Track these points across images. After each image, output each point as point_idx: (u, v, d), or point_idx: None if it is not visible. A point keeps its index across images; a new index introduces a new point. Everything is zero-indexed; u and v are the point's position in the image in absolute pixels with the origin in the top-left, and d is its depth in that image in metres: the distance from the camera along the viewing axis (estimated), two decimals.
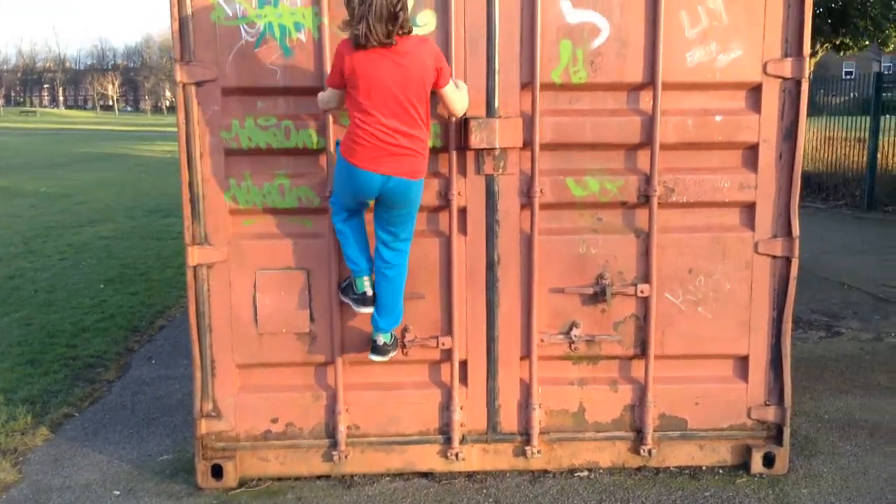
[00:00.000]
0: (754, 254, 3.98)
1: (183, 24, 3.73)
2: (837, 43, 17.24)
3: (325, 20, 3.73)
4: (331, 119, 3.80)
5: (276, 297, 3.98)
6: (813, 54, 16.88)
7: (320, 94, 3.71)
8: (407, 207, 3.68)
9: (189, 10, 3.72)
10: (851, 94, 15.91)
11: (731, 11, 3.79)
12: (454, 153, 3.87)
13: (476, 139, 3.81)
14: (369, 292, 3.83)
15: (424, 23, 3.79)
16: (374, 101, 3.46)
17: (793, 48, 3.82)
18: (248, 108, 3.85)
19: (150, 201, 15.36)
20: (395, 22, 3.38)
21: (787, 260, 3.96)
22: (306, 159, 3.92)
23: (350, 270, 3.86)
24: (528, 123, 3.86)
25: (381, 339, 3.85)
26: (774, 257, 3.98)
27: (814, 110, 14.44)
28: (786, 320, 4.01)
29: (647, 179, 3.91)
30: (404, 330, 3.99)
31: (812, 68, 17.62)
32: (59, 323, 6.92)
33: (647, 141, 3.88)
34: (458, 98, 3.69)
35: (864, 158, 13.74)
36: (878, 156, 13.55)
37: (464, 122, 3.81)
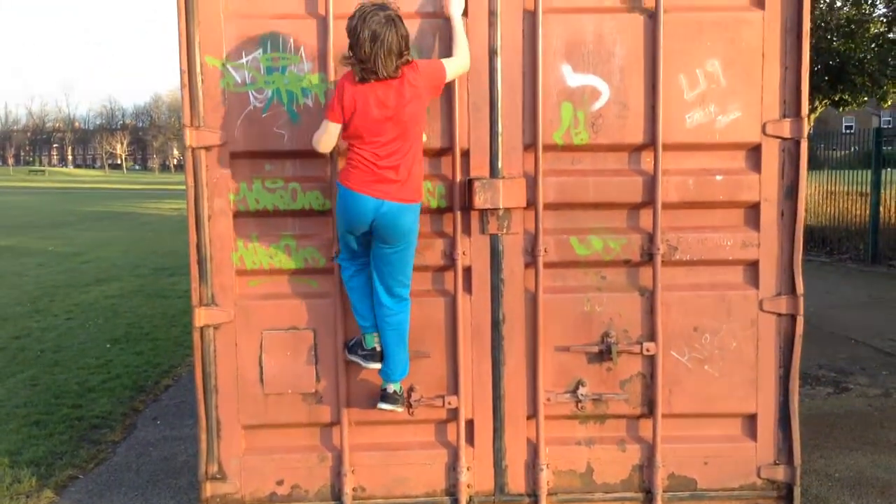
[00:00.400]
0: (759, 311, 3.99)
1: (193, 91, 3.82)
2: (836, 99, 17.47)
3: (331, 86, 3.82)
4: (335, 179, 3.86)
5: (282, 358, 3.99)
6: (812, 110, 17.11)
7: (317, 133, 3.71)
8: (403, 241, 3.70)
9: (199, 78, 3.82)
10: (852, 148, 16.07)
11: (728, 74, 3.88)
12: (458, 213, 3.92)
13: (480, 199, 3.86)
14: (378, 347, 3.85)
15: None
16: (372, 129, 3.54)
17: (791, 109, 3.89)
18: (256, 170, 3.92)
19: (157, 259, 15.46)
20: (402, 58, 3.51)
21: (793, 317, 3.97)
22: (312, 220, 3.97)
23: (359, 327, 3.89)
24: (532, 183, 3.91)
25: (392, 387, 3.86)
26: (780, 315, 3.99)
27: (815, 164, 14.59)
28: (793, 378, 4.00)
29: (650, 238, 3.94)
30: (410, 389, 3.98)
31: (812, 123, 17.83)
32: (65, 383, 6.92)
33: (650, 200, 3.93)
34: (460, 69, 3.75)
35: (867, 212, 13.81)
36: (881, 209, 13.63)
37: (468, 183, 3.87)
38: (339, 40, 3.77)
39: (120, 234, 20.97)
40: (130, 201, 37.48)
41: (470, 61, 3.78)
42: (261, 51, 3.83)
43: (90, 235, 20.68)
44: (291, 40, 3.83)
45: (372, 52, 3.44)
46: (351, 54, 3.53)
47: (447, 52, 3.79)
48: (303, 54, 3.85)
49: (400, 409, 3.90)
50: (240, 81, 3.85)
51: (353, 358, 3.93)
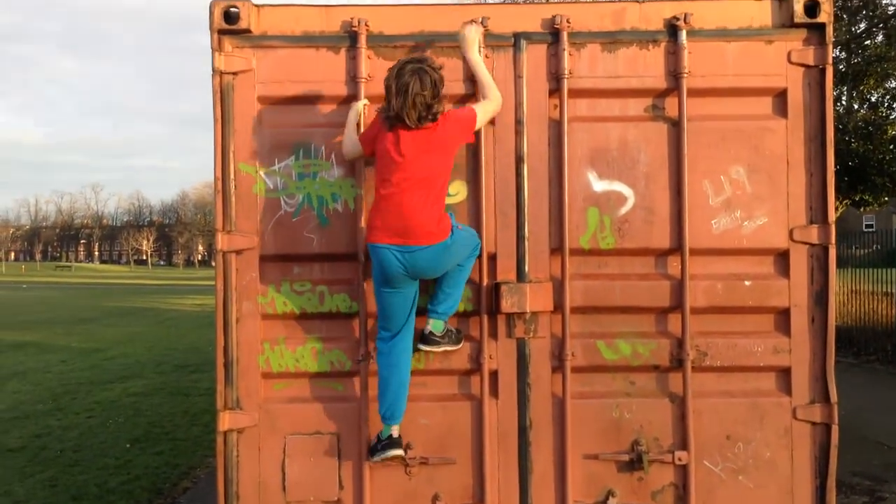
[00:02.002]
0: (793, 420, 3.90)
1: (226, 197, 3.91)
2: (857, 199, 17.51)
3: (362, 191, 3.90)
4: (364, 283, 3.89)
5: (306, 463, 3.93)
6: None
7: (345, 140, 3.85)
8: (441, 269, 3.73)
9: (232, 184, 3.92)
10: (874, 247, 16.01)
11: (753, 180, 3.92)
12: (485, 317, 3.92)
13: (507, 304, 3.86)
14: (395, 434, 3.79)
15: (456, 192, 3.94)
16: (395, 178, 3.61)
17: (818, 215, 3.91)
18: (285, 273, 3.97)
19: (179, 356, 15.46)
20: (429, 111, 3.60)
21: (827, 426, 3.87)
22: (339, 323, 3.98)
23: (381, 417, 3.81)
24: (559, 287, 3.91)
25: (429, 326, 3.82)
26: (814, 424, 3.90)
27: (838, 263, 14.47)
28: (829, 489, 3.87)
29: (680, 343, 3.90)
30: (435, 497, 3.89)
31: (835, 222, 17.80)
32: (84, 485, 6.82)
33: (678, 305, 3.91)
34: (491, 112, 3.84)
35: (893, 311, 13.62)
36: None
37: (495, 287, 3.88)
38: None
39: (143, 330, 21.06)
40: (154, 297, 37.82)
41: (500, 101, 3.86)
42: (293, 158, 3.94)
43: (114, 331, 20.79)
44: (323, 148, 3.94)
45: (400, 102, 3.56)
46: (386, 103, 3.65)
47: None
48: (333, 161, 3.94)
49: (442, 347, 3.84)
50: (272, 187, 3.94)
51: (375, 458, 3.82)
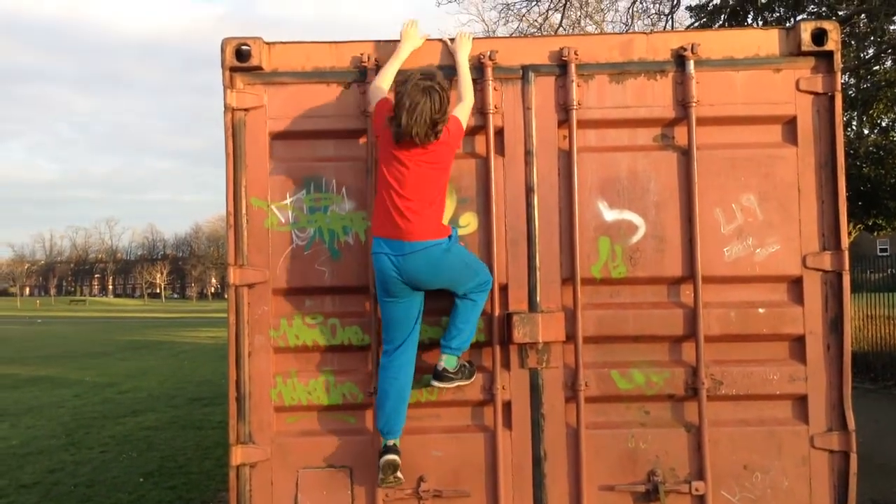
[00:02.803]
0: (811, 448, 3.85)
1: (238, 231, 3.94)
2: (870, 224, 17.44)
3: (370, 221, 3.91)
4: (375, 315, 3.89)
5: (318, 497, 3.90)
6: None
7: (378, 82, 3.88)
8: (443, 275, 3.72)
9: (244, 219, 3.94)
10: (889, 271, 15.89)
11: (765, 208, 3.91)
12: (497, 347, 3.91)
13: (519, 334, 3.85)
14: (391, 443, 3.76)
15: (466, 223, 3.96)
16: (396, 186, 3.66)
17: (830, 242, 3.90)
18: (297, 307, 3.98)
19: (192, 389, 15.45)
20: (434, 129, 3.63)
21: (846, 454, 3.82)
22: (351, 356, 3.98)
23: (379, 431, 3.79)
24: (571, 317, 3.90)
25: (442, 363, 3.79)
26: (832, 452, 3.85)
27: (853, 288, 14.36)
28: None
29: (694, 372, 3.88)
30: None
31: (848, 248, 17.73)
32: None
33: (691, 333, 3.89)
34: (468, 112, 3.87)
35: None
36: None
37: (507, 317, 3.87)
38: None
39: (157, 364, 21.09)
40: (168, 330, 37.91)
41: (467, 125, 3.88)
42: (304, 192, 3.97)
43: (127, 365, 20.82)
44: (334, 181, 3.97)
45: (409, 119, 3.58)
46: (393, 116, 3.67)
47: None
48: (344, 194, 3.97)
49: (455, 383, 3.81)
50: (283, 221, 3.96)
51: (380, 483, 3.76)
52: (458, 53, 3.95)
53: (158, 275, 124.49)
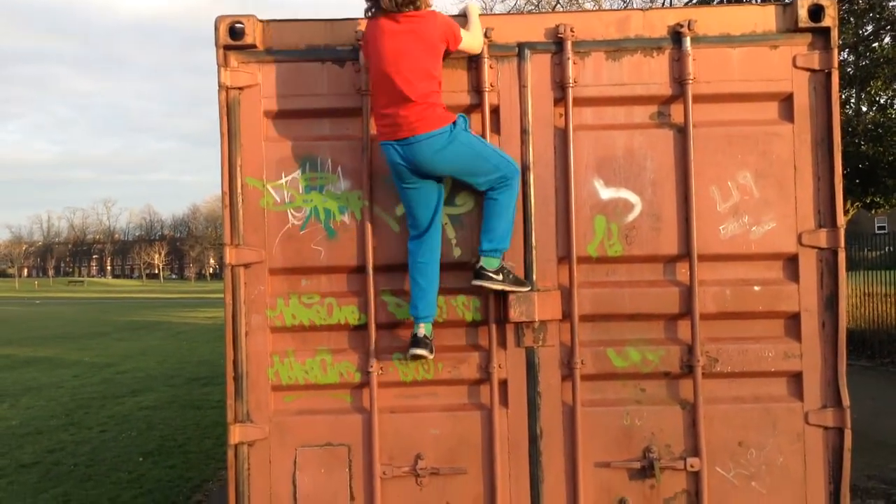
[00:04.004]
0: (805, 425, 3.87)
1: (233, 211, 3.93)
2: (868, 201, 17.43)
3: (367, 203, 3.91)
4: (372, 294, 3.89)
5: (316, 475, 3.93)
6: (844, 212, 17.07)
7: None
8: (452, 164, 3.72)
9: (240, 198, 3.93)
10: (886, 249, 15.92)
11: (761, 185, 3.91)
12: (494, 326, 3.91)
13: (515, 312, 3.85)
14: (420, 333, 3.77)
15: (462, 203, 3.95)
16: (386, 71, 3.65)
17: (826, 219, 3.89)
18: (293, 286, 3.98)
19: (191, 369, 15.51)
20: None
21: (840, 431, 3.85)
22: (348, 335, 3.98)
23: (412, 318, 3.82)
24: (567, 296, 3.91)
25: (483, 261, 3.77)
26: (826, 428, 3.87)
27: (850, 266, 14.41)
28: (843, 495, 3.84)
29: (690, 349, 3.89)
30: None
31: (844, 225, 17.76)
32: (97, 499, 6.84)
33: (687, 311, 3.90)
34: (472, 43, 3.83)
35: None
36: None
37: (503, 296, 3.87)
38: (375, 159, 3.90)
39: (155, 344, 21.15)
40: (166, 310, 37.97)
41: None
42: (300, 171, 3.95)
43: (126, 345, 20.88)
44: (330, 160, 3.95)
45: None
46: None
47: None
48: (340, 173, 3.96)
49: (496, 285, 3.77)
50: (279, 201, 3.95)
51: (413, 351, 3.77)
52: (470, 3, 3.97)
53: (156, 255, 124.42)
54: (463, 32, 3.80)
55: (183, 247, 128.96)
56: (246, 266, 3.94)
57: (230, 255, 3.92)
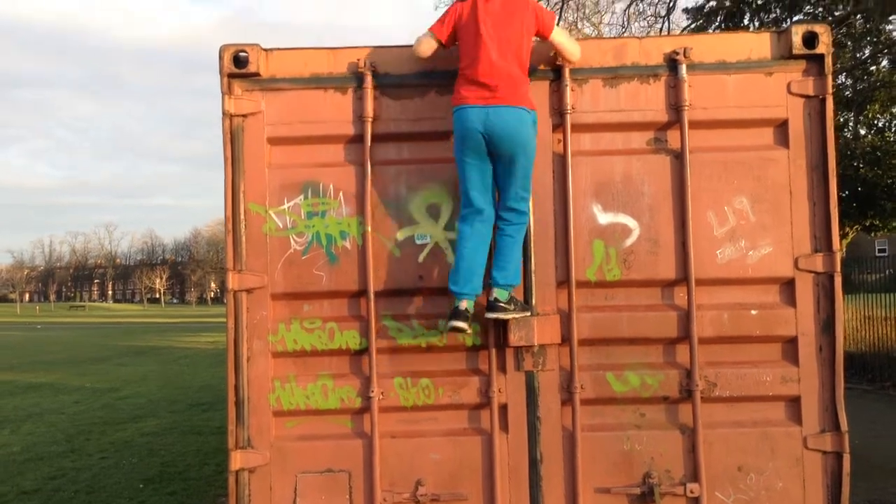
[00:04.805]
0: (804, 449, 3.88)
1: (236, 237, 3.98)
2: (867, 224, 17.48)
3: (369, 228, 3.95)
4: (373, 319, 3.92)
5: (317, 501, 3.93)
6: (843, 236, 17.11)
7: (420, 39, 3.96)
8: (515, 149, 3.78)
9: (242, 224, 3.98)
10: (887, 272, 15.92)
11: (757, 210, 3.95)
12: (493, 350, 3.94)
13: (515, 337, 3.88)
14: (462, 307, 3.79)
15: None
16: (482, 44, 3.78)
17: (822, 243, 3.93)
18: (295, 311, 4.01)
19: (192, 394, 15.46)
20: None
21: (839, 455, 3.86)
22: (349, 360, 4.01)
23: (453, 295, 3.84)
24: (566, 320, 3.94)
25: (493, 293, 3.80)
26: (825, 453, 3.88)
27: (850, 289, 14.43)
28: None
29: (688, 374, 3.91)
30: None
31: (844, 248, 17.80)
32: None
33: (685, 335, 3.92)
34: (570, 43, 3.96)
35: None
36: None
37: (503, 320, 3.89)
38: (376, 185, 3.96)
39: (157, 369, 21.09)
40: (168, 335, 37.91)
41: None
42: (302, 197, 4.00)
43: (127, 371, 20.83)
44: (331, 186, 4.01)
45: None
46: None
47: None
48: (342, 199, 4.01)
49: (507, 316, 3.80)
50: (281, 226, 4.00)
51: (452, 323, 3.79)
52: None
53: (158, 280, 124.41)
54: (560, 30, 3.94)
55: (184, 271, 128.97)
56: (248, 291, 3.97)
57: (232, 281, 3.96)
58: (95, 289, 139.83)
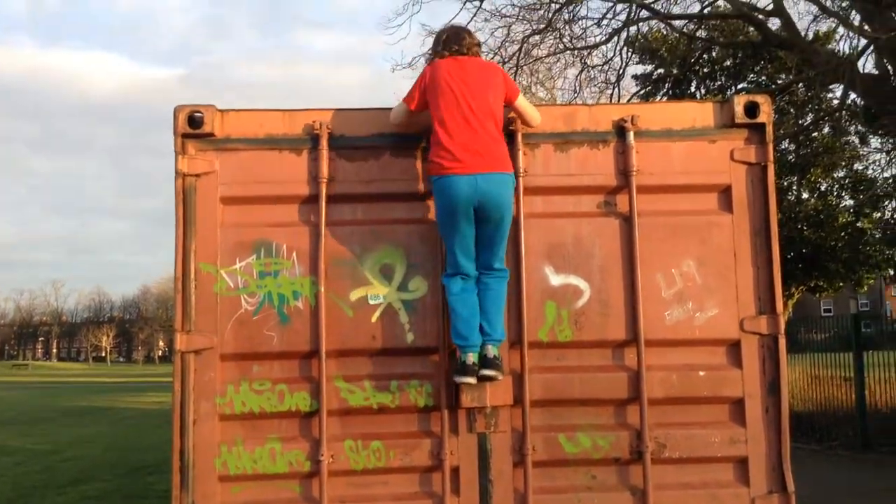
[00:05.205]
0: None
1: (186, 296, 3.93)
2: (812, 285, 17.91)
3: (322, 288, 3.94)
4: (324, 380, 3.88)
5: None
6: (789, 296, 17.50)
7: (393, 108, 4.04)
8: (503, 213, 3.84)
9: (193, 284, 3.94)
10: (832, 332, 16.24)
11: (703, 273, 4.04)
12: (446, 412, 3.92)
13: (467, 398, 3.87)
14: (469, 361, 3.78)
15: (416, 288, 4.00)
16: (463, 105, 3.83)
17: (766, 306, 4.03)
18: (244, 373, 3.95)
19: (136, 456, 14.98)
20: (474, 40, 4.08)
21: None
22: (298, 422, 3.95)
23: (456, 347, 3.85)
24: (518, 381, 3.94)
25: (492, 351, 3.81)
26: None
27: (797, 348, 14.68)
28: None
29: (639, 435, 3.93)
30: None
31: (790, 308, 18.19)
32: None
33: (635, 396, 3.95)
34: (531, 109, 4.08)
35: (853, 397, 13.73)
36: (866, 394, 13.56)
37: (455, 382, 3.89)
38: (330, 245, 3.96)
39: (101, 430, 20.43)
40: (113, 395, 36.84)
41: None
42: (254, 256, 3.99)
43: (70, 432, 20.13)
44: (285, 246, 4.00)
45: (453, 33, 4.05)
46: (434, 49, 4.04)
47: None
48: (295, 259, 4.00)
49: (501, 375, 3.83)
50: (232, 286, 3.96)
51: (463, 379, 3.80)
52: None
53: (104, 337, 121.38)
54: (522, 97, 4.04)
55: (132, 329, 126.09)
56: (196, 352, 3.91)
57: (180, 342, 3.90)
58: (40, 347, 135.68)
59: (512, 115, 4.05)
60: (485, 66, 4.02)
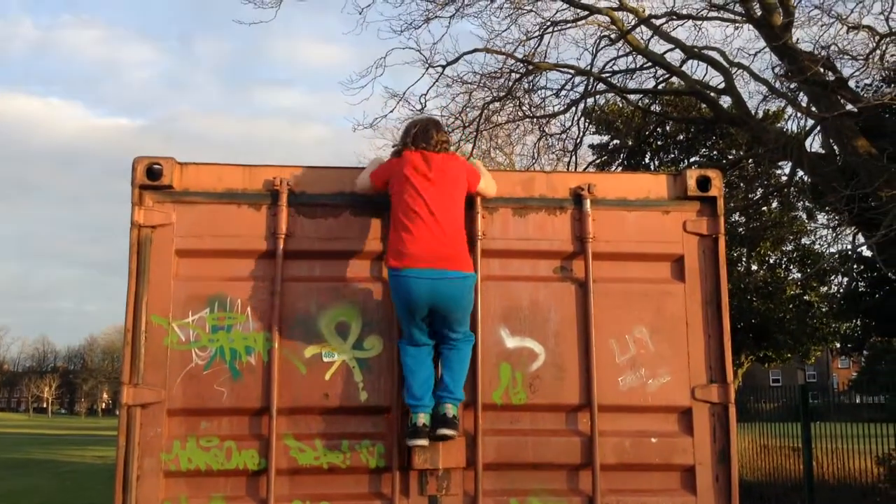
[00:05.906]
0: None
1: (135, 349, 3.86)
2: (761, 355, 18.20)
3: (276, 344, 3.90)
4: (274, 438, 3.81)
5: None
6: (739, 365, 17.75)
7: (359, 176, 4.05)
8: (462, 307, 3.80)
9: (143, 336, 3.87)
10: (781, 401, 16.46)
11: (656, 340, 4.09)
12: (397, 473, 3.87)
13: (419, 459, 3.83)
14: (420, 423, 3.74)
15: (371, 346, 3.99)
16: (426, 198, 3.81)
17: (717, 374, 4.08)
18: (192, 428, 3.86)
19: None
20: (442, 137, 4.03)
21: None
22: (246, 481, 3.86)
23: (409, 406, 3.80)
24: (472, 443, 3.92)
25: (451, 410, 3.77)
26: None
27: (746, 417, 14.82)
28: None
29: (591, 501, 3.91)
30: None
31: (740, 378, 18.42)
32: None
33: (588, 461, 3.95)
34: (489, 185, 4.11)
35: (801, 467, 13.85)
36: (814, 465, 13.70)
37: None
38: (286, 301, 3.93)
39: (40, 484, 19.64)
40: (53, 448, 35.54)
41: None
42: (208, 310, 3.94)
43: (7, 485, 19.32)
44: (239, 301, 3.96)
45: (422, 130, 3.99)
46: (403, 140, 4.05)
47: None
48: (249, 314, 3.96)
49: (457, 435, 3.81)
50: (184, 339, 3.90)
51: (415, 442, 3.76)
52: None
53: (47, 388, 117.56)
54: (482, 179, 4.08)
55: (76, 380, 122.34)
56: (143, 406, 3.82)
57: (127, 395, 3.81)
58: None
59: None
60: (450, 162, 3.99)
